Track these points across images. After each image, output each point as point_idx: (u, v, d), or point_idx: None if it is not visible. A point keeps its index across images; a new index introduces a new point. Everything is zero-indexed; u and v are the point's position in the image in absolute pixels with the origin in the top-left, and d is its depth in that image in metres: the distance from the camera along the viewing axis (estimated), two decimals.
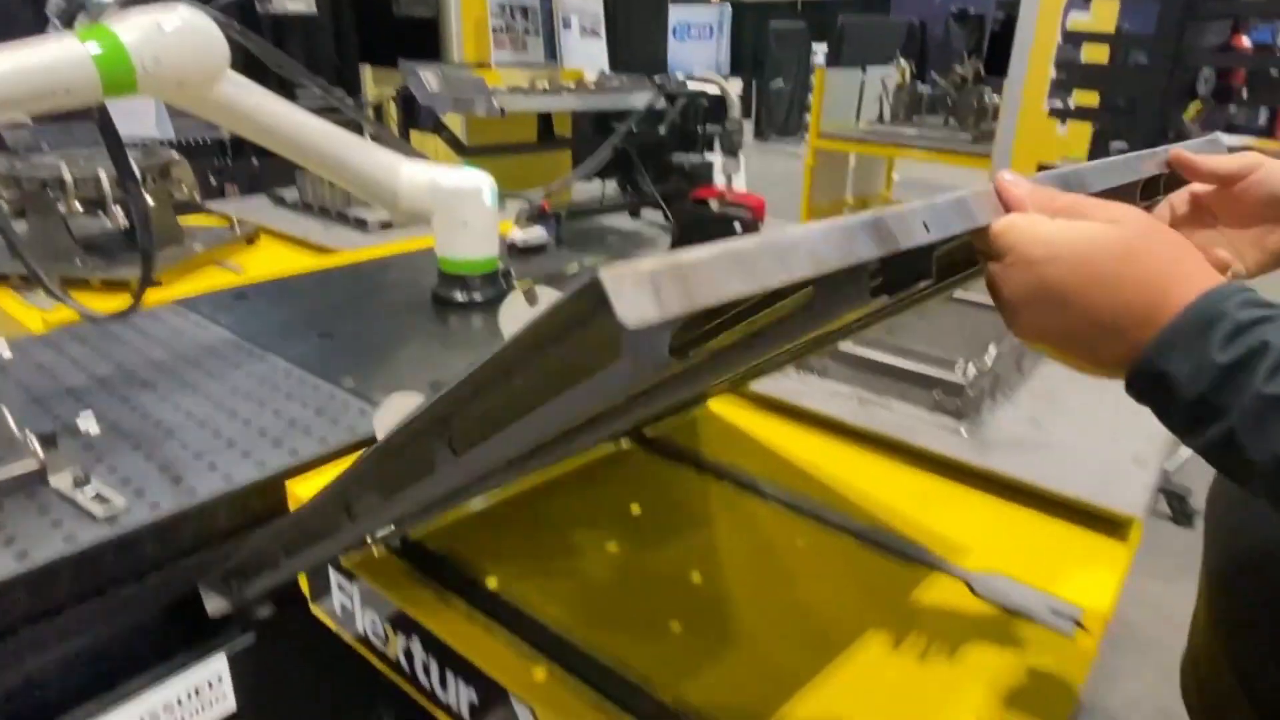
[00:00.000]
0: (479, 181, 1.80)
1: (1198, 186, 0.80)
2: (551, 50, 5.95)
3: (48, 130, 3.51)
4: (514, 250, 2.21)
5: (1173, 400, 0.50)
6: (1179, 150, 0.78)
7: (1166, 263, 0.53)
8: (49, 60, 1.13)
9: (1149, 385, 0.52)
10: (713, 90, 2.56)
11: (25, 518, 1.04)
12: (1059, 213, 0.57)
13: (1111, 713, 2.49)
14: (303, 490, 1.12)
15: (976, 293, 2.30)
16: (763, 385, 1.46)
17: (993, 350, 1.45)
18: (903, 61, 4.69)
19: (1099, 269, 0.53)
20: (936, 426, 1.35)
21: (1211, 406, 0.47)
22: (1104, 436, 1.32)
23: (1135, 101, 2.43)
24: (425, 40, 5.36)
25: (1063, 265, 0.54)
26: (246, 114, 1.49)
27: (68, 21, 1.32)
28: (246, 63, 1.47)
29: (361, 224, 2.44)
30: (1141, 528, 1.11)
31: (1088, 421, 1.38)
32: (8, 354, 1.47)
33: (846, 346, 1.50)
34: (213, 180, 3.70)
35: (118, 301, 1.65)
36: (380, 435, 0.76)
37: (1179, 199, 0.82)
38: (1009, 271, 0.56)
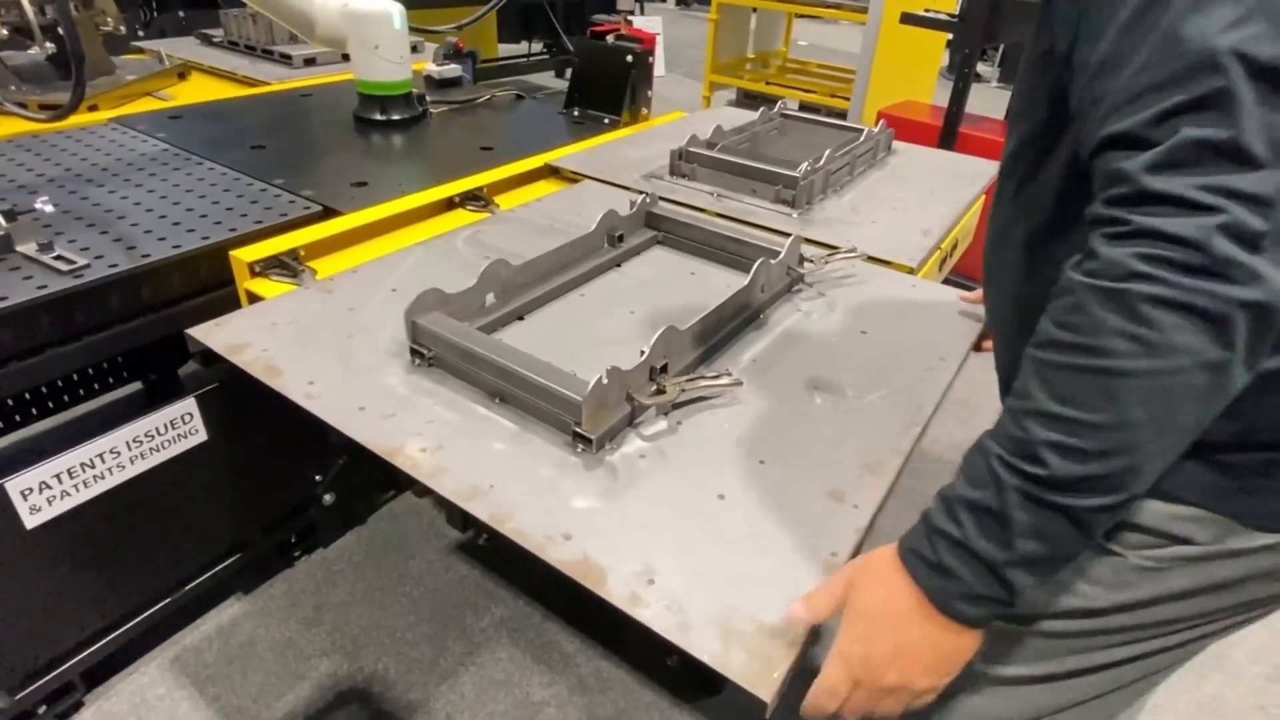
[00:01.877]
0: (388, 7, 1.77)
1: None
2: None
3: None
4: (431, 82, 2.19)
5: (966, 567, 0.54)
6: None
7: (874, 565, 0.59)
8: None
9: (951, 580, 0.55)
10: None
11: None
12: (834, 603, 0.61)
13: None
14: (244, 255, 1.20)
15: (829, 116, 2.39)
16: (640, 184, 1.57)
17: (826, 154, 1.58)
18: None
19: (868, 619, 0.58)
20: (774, 212, 1.50)
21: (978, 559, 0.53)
22: (904, 218, 1.50)
23: None
24: None
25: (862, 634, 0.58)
26: None
27: None
28: None
29: (286, 59, 2.35)
30: (920, 271, 1.30)
31: (894, 209, 1.55)
32: None
33: (713, 153, 1.62)
34: (140, 31, 3.43)
35: (48, 116, 1.62)
36: None
37: None
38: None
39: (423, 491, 1.90)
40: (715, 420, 0.90)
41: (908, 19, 2.97)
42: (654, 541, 0.72)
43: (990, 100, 5.95)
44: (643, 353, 0.88)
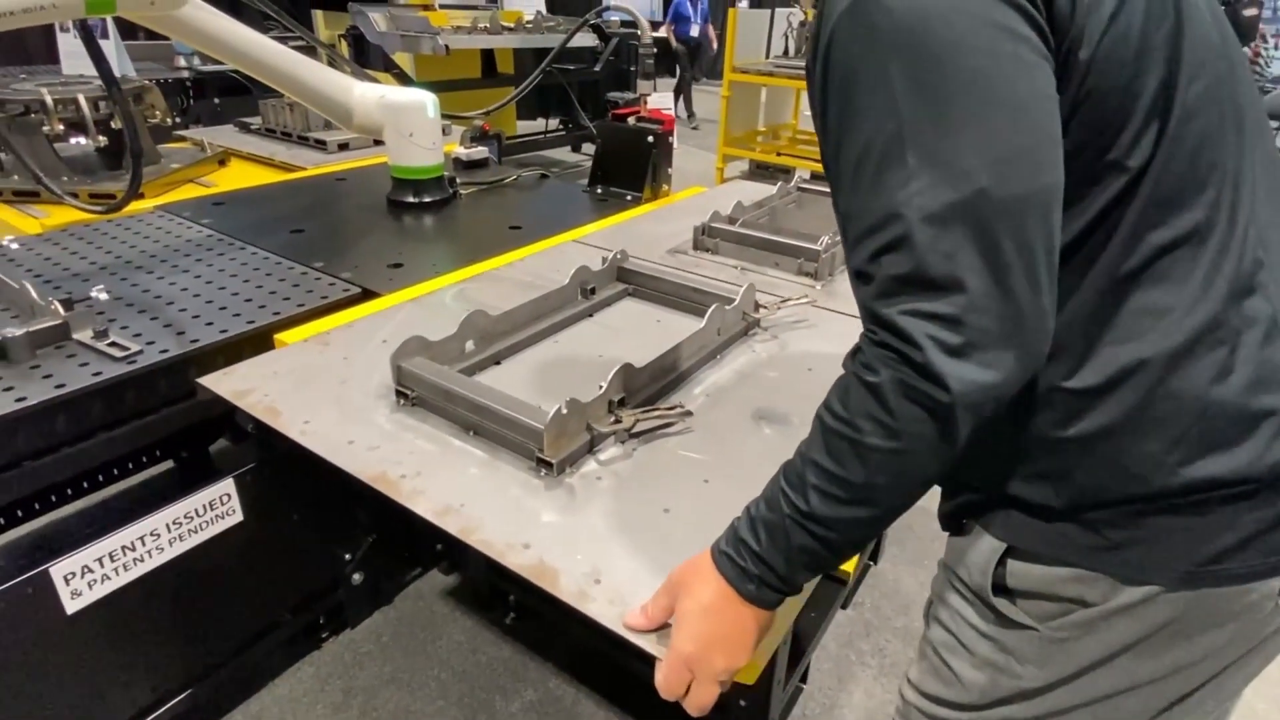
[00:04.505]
0: (422, 97, 1.89)
1: None
2: None
3: (10, 71, 3.38)
4: (459, 164, 2.30)
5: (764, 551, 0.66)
6: None
7: (693, 572, 0.70)
8: None
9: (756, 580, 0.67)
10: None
11: (57, 361, 1.15)
12: (667, 609, 0.71)
13: None
14: (287, 338, 1.25)
15: None
16: (666, 260, 1.62)
17: None
18: (803, 1, 4.75)
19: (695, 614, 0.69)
20: (797, 284, 1.54)
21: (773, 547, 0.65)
22: None
23: None
24: None
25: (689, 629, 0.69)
26: (213, 35, 1.54)
27: None
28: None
29: (321, 145, 2.48)
30: None
31: None
32: (16, 246, 1.54)
33: (735, 227, 1.68)
34: (178, 118, 3.64)
35: (104, 208, 1.71)
36: None
37: None
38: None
39: (449, 569, 1.91)
40: (667, 447, 1.00)
41: None
42: (603, 548, 0.82)
43: None
44: (601, 386, 0.98)
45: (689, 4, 8.25)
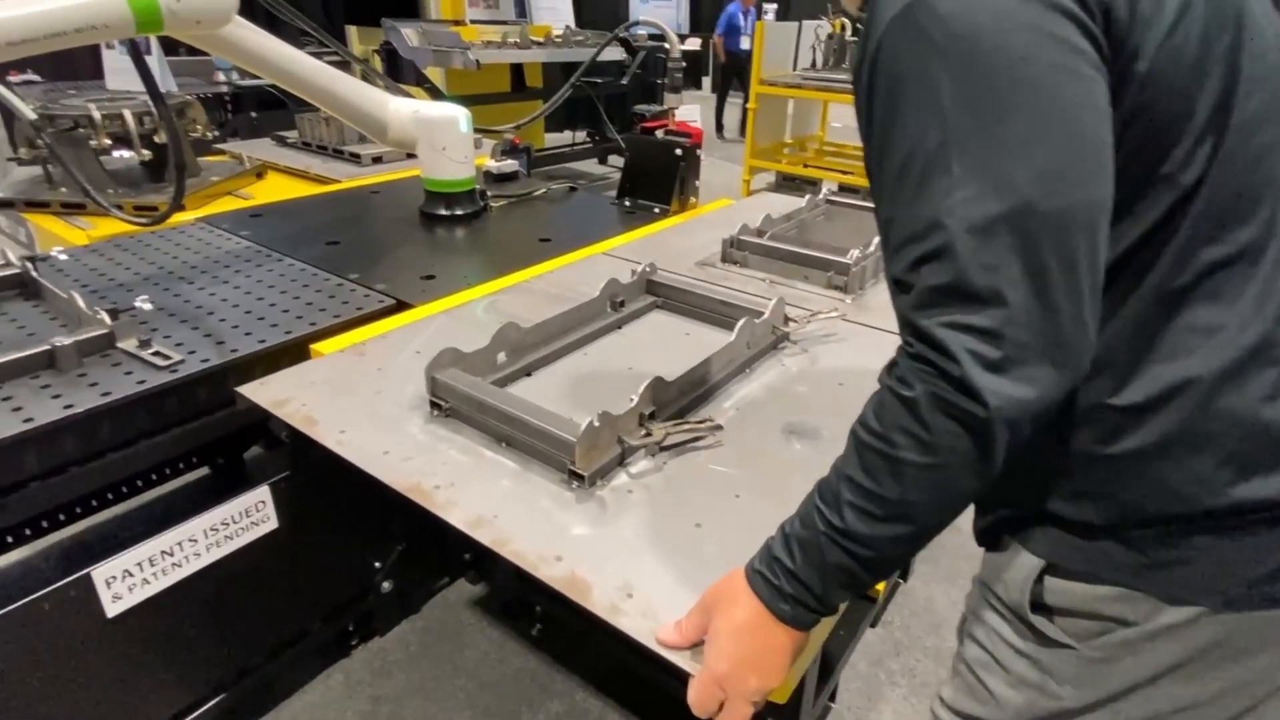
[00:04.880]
0: (455, 112, 1.92)
1: None
2: (521, 8, 5.90)
3: (57, 87, 3.50)
4: (490, 177, 2.33)
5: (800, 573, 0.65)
6: None
7: (727, 591, 0.70)
8: (92, 1, 1.23)
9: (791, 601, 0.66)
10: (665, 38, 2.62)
11: (103, 370, 1.19)
12: (701, 628, 0.71)
13: None
14: (324, 349, 1.28)
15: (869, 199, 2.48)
16: (694, 272, 1.63)
17: (876, 240, 1.62)
18: (832, 14, 4.75)
19: (728, 633, 0.68)
20: (827, 298, 1.53)
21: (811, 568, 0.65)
22: None
23: None
24: (405, 0, 5.29)
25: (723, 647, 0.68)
26: (256, 53, 1.59)
27: None
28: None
29: (355, 158, 2.53)
30: None
31: None
32: (64, 257, 1.59)
33: (764, 240, 1.68)
34: (216, 132, 3.74)
35: (148, 220, 1.76)
36: None
37: None
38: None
39: (476, 579, 1.92)
40: (697, 460, 1.00)
41: None
42: (635, 562, 0.81)
43: None
44: (632, 399, 0.98)
45: (740, 15, 8.10)
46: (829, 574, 0.64)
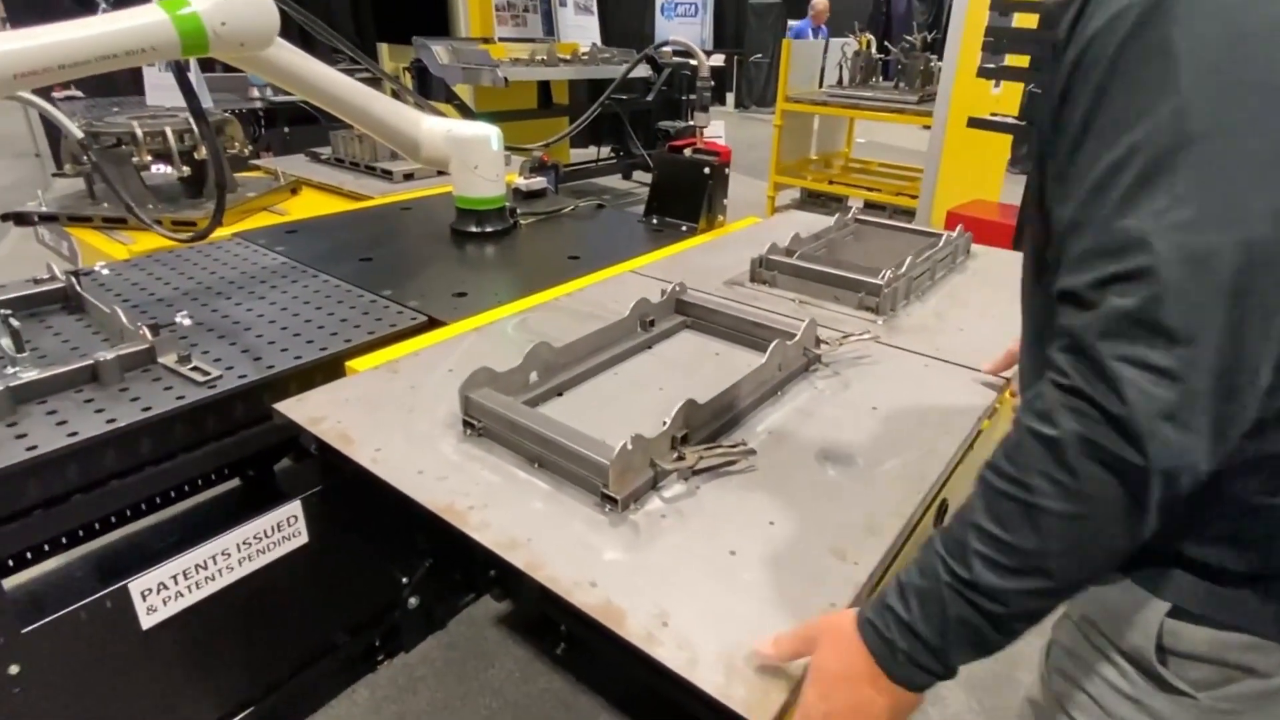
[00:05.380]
0: (487, 131, 1.94)
1: None
2: (549, 26, 5.99)
3: (99, 103, 3.60)
4: (519, 194, 2.35)
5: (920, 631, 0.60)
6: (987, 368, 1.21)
7: (838, 628, 0.66)
8: (140, 24, 1.26)
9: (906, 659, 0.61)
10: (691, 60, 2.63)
11: (144, 384, 1.21)
12: (798, 652, 0.68)
13: None
14: (357, 365, 1.29)
15: (902, 221, 2.47)
16: (723, 291, 1.62)
17: (908, 261, 1.61)
18: (859, 32, 4.76)
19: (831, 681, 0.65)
20: (858, 319, 1.52)
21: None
22: (991, 325, 1.50)
23: (1041, 60, 2.56)
24: (434, 18, 5.39)
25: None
26: (295, 73, 1.62)
27: (114, 3, 1.44)
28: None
29: (388, 175, 2.57)
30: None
31: (980, 315, 1.55)
32: (106, 272, 1.63)
33: (793, 260, 1.67)
34: (250, 148, 3.82)
35: (188, 236, 1.80)
36: None
37: None
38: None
39: (501, 596, 1.92)
40: (731, 485, 0.99)
41: (975, 123, 3.06)
42: (670, 590, 0.81)
43: None
44: (665, 423, 0.98)
45: (810, 33, 8.07)
46: (950, 630, 0.59)
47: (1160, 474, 0.50)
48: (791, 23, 11.65)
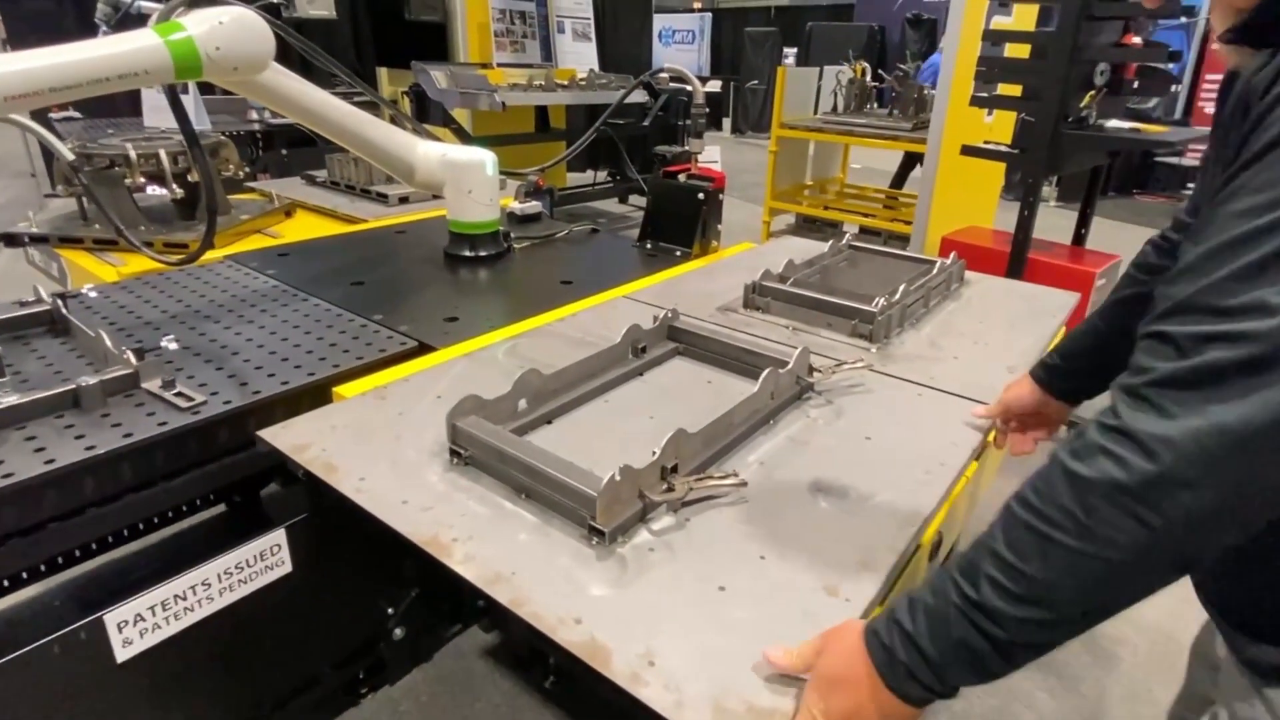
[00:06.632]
0: (482, 156, 1.94)
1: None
2: (547, 52, 6.06)
3: (96, 124, 3.62)
4: (514, 218, 2.35)
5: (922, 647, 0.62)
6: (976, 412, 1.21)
7: (843, 636, 0.69)
8: (134, 49, 1.26)
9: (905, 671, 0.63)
10: (683, 85, 2.66)
11: (126, 410, 1.19)
12: (807, 663, 0.70)
13: None
14: (345, 391, 1.27)
15: (896, 247, 2.47)
16: (716, 318, 1.62)
17: (901, 288, 1.61)
18: (853, 60, 4.83)
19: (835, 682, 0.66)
20: (852, 346, 1.51)
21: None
22: (986, 353, 1.49)
23: (1039, 91, 2.58)
24: (433, 43, 5.44)
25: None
26: (289, 97, 1.62)
27: (114, 25, 1.44)
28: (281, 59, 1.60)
29: (382, 198, 2.57)
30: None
31: (975, 343, 1.54)
32: (94, 294, 1.61)
33: (786, 286, 1.67)
34: (246, 169, 3.83)
35: (178, 259, 1.79)
36: None
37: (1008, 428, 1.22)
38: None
39: (489, 627, 1.88)
40: (721, 518, 0.97)
41: (969, 151, 3.08)
42: (657, 627, 0.79)
43: (1051, 221, 5.97)
44: (654, 453, 0.96)
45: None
46: (950, 649, 0.60)
47: (1182, 525, 0.51)
48: (786, 49, 11.82)
